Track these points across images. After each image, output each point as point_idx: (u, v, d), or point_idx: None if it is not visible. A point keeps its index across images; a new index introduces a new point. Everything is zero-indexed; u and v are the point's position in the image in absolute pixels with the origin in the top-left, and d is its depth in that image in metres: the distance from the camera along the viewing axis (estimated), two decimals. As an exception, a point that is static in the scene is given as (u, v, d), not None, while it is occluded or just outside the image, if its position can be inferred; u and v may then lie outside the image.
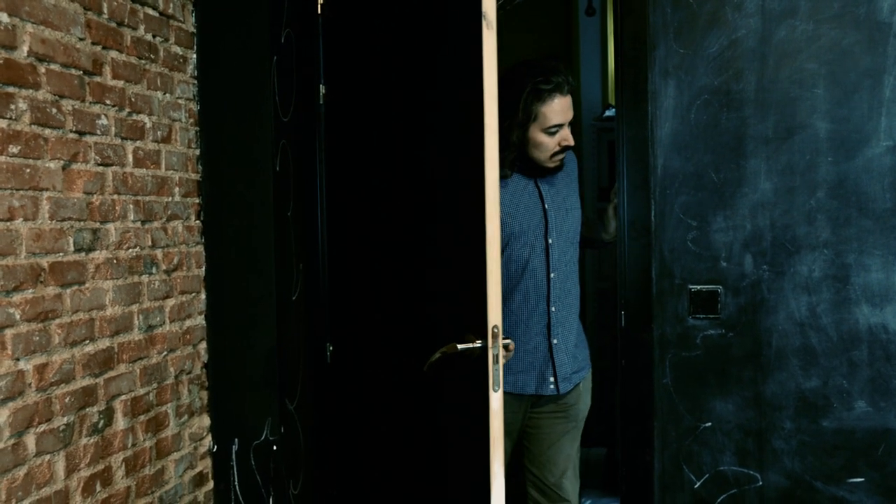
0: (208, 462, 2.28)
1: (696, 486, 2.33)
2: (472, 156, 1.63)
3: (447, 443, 2.10)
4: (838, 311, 2.25)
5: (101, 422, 1.84)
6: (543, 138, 2.22)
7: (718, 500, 2.32)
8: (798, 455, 2.28)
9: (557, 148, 2.24)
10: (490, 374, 1.43)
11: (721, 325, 2.31)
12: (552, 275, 2.30)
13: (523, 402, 2.35)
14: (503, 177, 2.21)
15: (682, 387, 2.33)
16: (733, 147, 2.28)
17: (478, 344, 1.44)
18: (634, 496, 2.44)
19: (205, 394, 2.27)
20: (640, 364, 2.38)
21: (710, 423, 2.32)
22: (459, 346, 1.53)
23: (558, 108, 2.21)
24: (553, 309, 2.30)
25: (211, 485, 2.29)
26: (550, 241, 2.30)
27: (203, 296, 2.27)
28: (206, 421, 2.27)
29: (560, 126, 2.22)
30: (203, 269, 2.27)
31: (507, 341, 1.78)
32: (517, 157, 2.27)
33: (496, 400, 1.44)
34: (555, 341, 2.32)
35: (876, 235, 2.23)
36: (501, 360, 1.43)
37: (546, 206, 2.31)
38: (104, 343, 1.86)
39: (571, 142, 2.26)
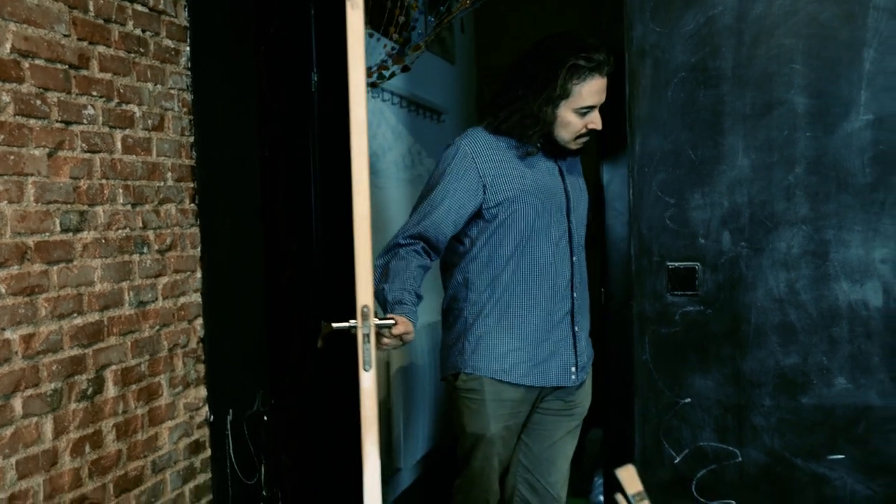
0: (206, 431, 2.43)
1: (676, 462, 2.36)
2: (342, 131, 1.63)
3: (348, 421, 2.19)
4: (817, 288, 2.24)
5: (91, 389, 2.00)
6: (573, 118, 2.09)
7: (698, 476, 2.34)
8: (777, 432, 2.28)
9: (584, 130, 2.12)
10: (360, 353, 1.50)
11: (700, 301, 2.32)
12: (574, 258, 2.22)
13: (533, 395, 2.19)
14: (529, 154, 2.12)
15: (662, 363, 2.36)
16: (711, 124, 2.29)
17: (351, 323, 1.51)
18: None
19: (201, 367, 2.41)
20: (620, 341, 2.41)
21: (689, 399, 2.34)
22: (334, 325, 1.61)
23: (594, 89, 2.09)
24: (575, 294, 2.20)
25: (208, 452, 2.43)
26: (572, 222, 2.21)
27: (199, 274, 2.41)
28: (202, 392, 2.42)
29: (592, 108, 2.11)
30: (199, 249, 2.40)
31: (388, 322, 1.73)
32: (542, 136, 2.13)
33: (367, 379, 1.50)
34: (577, 328, 2.20)
35: (856, 211, 2.21)
36: (373, 340, 1.48)
37: (567, 186, 2.21)
38: (93, 317, 2.01)
39: (599, 125, 2.13)
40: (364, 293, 1.47)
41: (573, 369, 2.20)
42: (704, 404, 2.33)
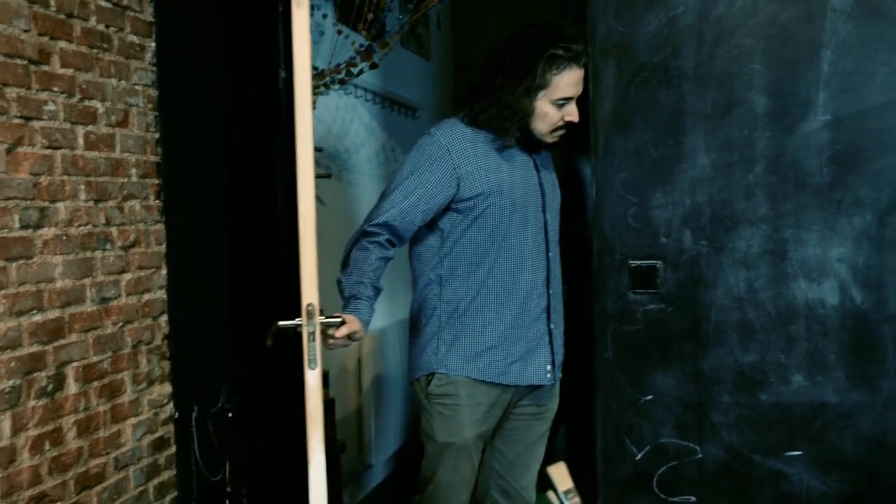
0: (171, 428, 2.43)
1: (637, 458, 2.38)
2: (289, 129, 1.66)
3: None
4: (776, 286, 2.27)
5: (51, 386, 2.00)
6: (550, 110, 2.07)
7: (659, 472, 2.37)
8: (736, 428, 2.31)
9: (561, 122, 2.10)
10: (305, 351, 1.51)
11: (661, 299, 2.34)
12: (550, 254, 2.19)
13: (507, 397, 2.16)
14: (506, 147, 2.08)
15: (624, 361, 2.38)
16: (672, 123, 2.31)
17: (296, 322, 1.53)
18: (580, 469, 2.50)
19: (166, 363, 2.41)
20: (583, 339, 2.43)
21: (651, 397, 2.37)
22: (280, 324, 1.62)
23: (572, 80, 2.07)
24: (551, 291, 2.20)
25: (173, 449, 2.44)
26: (547, 218, 2.19)
27: (164, 271, 2.41)
28: (167, 389, 2.42)
29: (569, 100, 2.08)
30: (164, 245, 2.40)
31: (335, 320, 1.74)
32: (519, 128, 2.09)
33: (312, 377, 1.52)
34: (552, 326, 2.19)
35: (813, 210, 2.24)
36: (318, 338, 1.50)
37: (542, 180, 2.20)
38: (54, 313, 2.01)
39: (576, 118, 2.11)
40: (309, 292, 1.49)
41: (549, 367, 2.18)
42: (665, 401, 2.36)
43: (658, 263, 2.34)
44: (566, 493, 1.34)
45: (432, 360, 2.10)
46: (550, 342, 2.19)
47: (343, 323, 1.84)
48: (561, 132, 2.14)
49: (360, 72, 2.79)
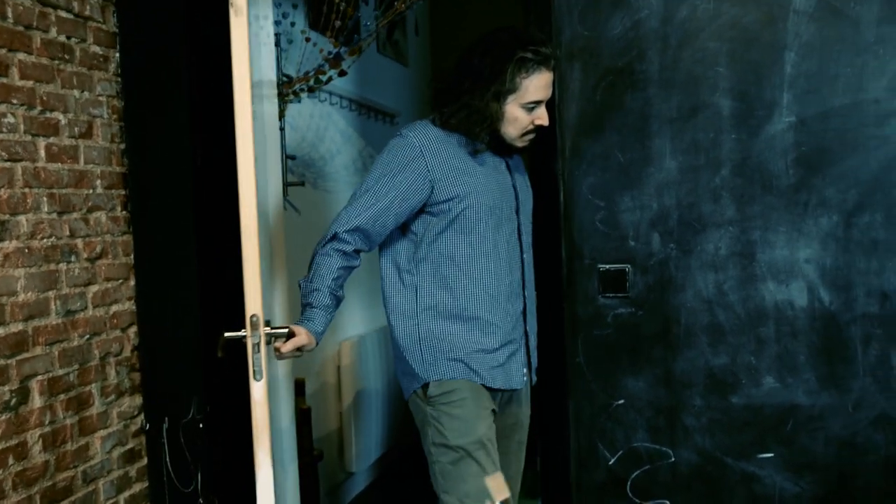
0: (142, 440, 2.42)
1: (610, 463, 2.38)
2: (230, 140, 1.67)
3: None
4: (745, 289, 2.27)
5: (14, 400, 1.98)
6: (519, 113, 2.03)
7: (632, 477, 2.36)
8: (708, 431, 2.31)
9: (531, 126, 2.07)
10: (250, 362, 1.51)
11: (631, 303, 2.34)
12: (524, 256, 2.17)
13: (495, 401, 2.09)
14: (478, 151, 2.06)
15: (595, 365, 2.37)
16: (639, 127, 2.31)
17: (241, 333, 1.52)
18: (553, 474, 2.49)
19: (136, 375, 2.40)
20: (554, 343, 2.42)
21: (623, 401, 2.36)
22: (226, 335, 1.62)
23: (541, 84, 2.03)
24: (526, 293, 2.20)
25: (144, 461, 2.42)
26: (521, 220, 2.17)
27: (132, 282, 2.40)
28: (137, 400, 2.41)
29: (538, 103, 2.05)
30: (131, 256, 2.39)
31: (280, 331, 1.72)
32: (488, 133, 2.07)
33: (258, 389, 1.51)
34: (528, 329, 2.17)
35: (780, 212, 2.24)
36: (263, 349, 1.49)
37: (515, 184, 2.17)
38: (16, 327, 2.00)
39: (546, 121, 2.08)
40: (253, 303, 1.48)
41: (525, 370, 2.16)
42: (637, 405, 2.35)
43: (627, 267, 2.34)
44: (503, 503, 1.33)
45: (420, 370, 2.03)
46: (527, 345, 2.17)
47: (292, 335, 1.82)
48: (531, 136, 2.12)
49: (329, 79, 2.78)
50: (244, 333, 1.50)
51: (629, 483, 2.36)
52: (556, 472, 2.47)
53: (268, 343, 1.75)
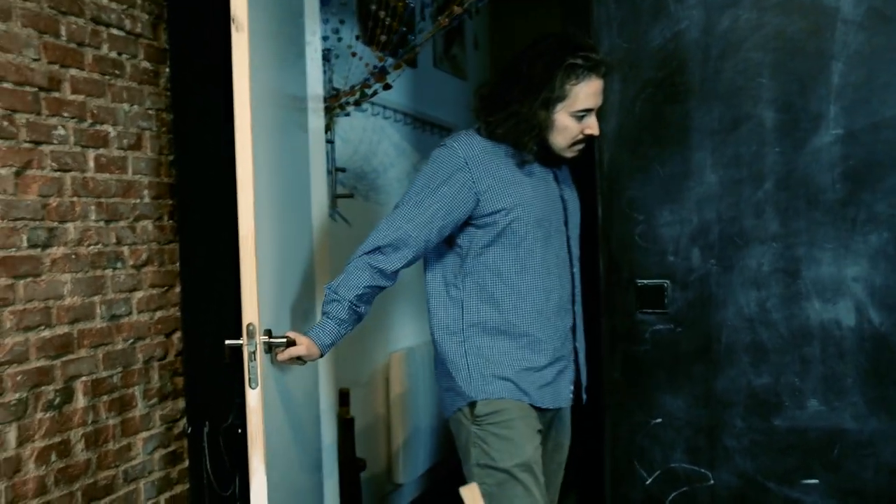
0: (184, 443, 2.48)
1: (647, 483, 2.32)
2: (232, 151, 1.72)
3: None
4: (788, 307, 2.18)
5: (58, 399, 2.07)
6: (569, 122, 1.95)
7: (669, 498, 2.30)
8: (749, 454, 2.23)
9: (581, 136, 1.98)
10: (246, 370, 1.52)
11: (669, 319, 2.29)
12: (574, 270, 2.09)
13: (541, 422, 2.00)
14: (526, 161, 1.97)
15: (633, 382, 2.33)
16: (679, 140, 2.26)
17: (239, 342, 1.54)
18: (589, 492, 2.45)
19: (179, 379, 2.47)
20: (591, 360, 2.38)
21: (660, 419, 2.31)
22: (227, 343, 1.65)
23: (591, 91, 1.95)
24: (576, 309, 2.10)
25: (186, 464, 2.49)
26: (570, 232, 2.09)
27: (178, 289, 2.47)
28: (180, 404, 2.48)
29: (589, 111, 1.96)
30: (177, 265, 2.47)
31: (280, 340, 1.72)
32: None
33: (254, 397, 1.53)
34: (577, 345, 2.09)
35: (826, 228, 2.15)
36: (259, 358, 1.50)
37: (563, 195, 2.09)
38: (62, 329, 2.08)
39: (596, 131, 1.99)
40: (250, 311, 1.50)
41: (572, 388, 2.06)
42: (676, 424, 2.29)
43: (666, 283, 2.28)
44: None
45: (467, 388, 1.95)
46: (576, 361, 2.08)
47: (293, 343, 1.83)
48: (580, 146, 2.02)
49: (375, 92, 2.82)
50: (239, 342, 1.53)
51: (666, 504, 2.30)
52: (592, 489, 2.42)
53: (268, 351, 1.78)
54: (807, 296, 2.17)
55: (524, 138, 1.94)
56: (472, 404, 1.94)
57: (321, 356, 1.91)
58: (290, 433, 2.10)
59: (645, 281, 2.30)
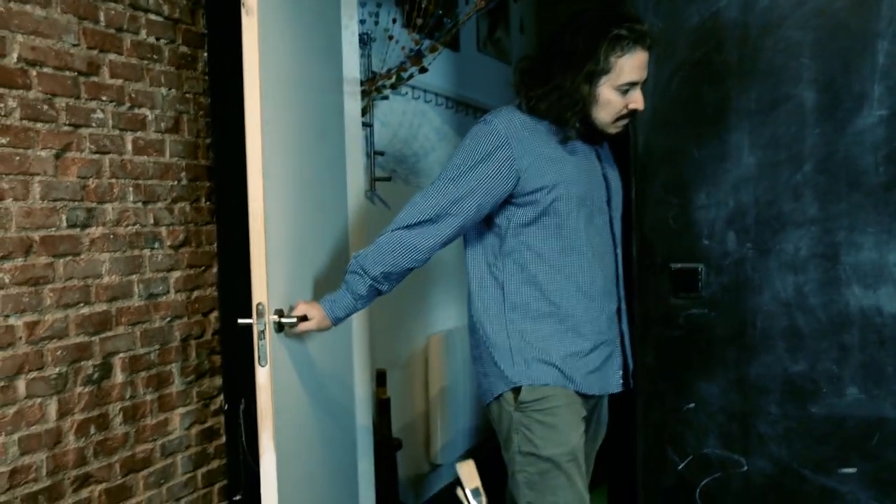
0: (221, 419, 2.54)
1: (679, 468, 2.29)
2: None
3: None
4: (827, 292, 2.13)
5: (97, 374, 2.13)
6: (613, 97, 1.87)
7: (702, 484, 2.27)
8: (785, 441, 2.18)
9: (625, 111, 1.90)
10: (255, 349, 1.54)
11: (703, 304, 2.25)
12: (617, 251, 2.02)
13: (587, 408, 1.96)
14: (568, 138, 1.90)
15: (666, 367, 2.29)
16: (715, 121, 2.21)
17: (249, 321, 1.56)
18: (620, 476, 2.43)
19: (216, 357, 2.53)
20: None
21: (693, 405, 2.27)
22: (239, 321, 1.66)
23: (637, 64, 1.87)
24: (621, 292, 2.04)
25: (223, 440, 2.55)
26: (613, 212, 2.03)
27: (215, 269, 2.52)
28: (217, 382, 2.53)
29: (633, 85, 1.88)
30: (214, 245, 2.52)
31: (291, 320, 1.73)
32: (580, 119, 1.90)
33: (262, 375, 1.54)
34: (623, 328, 2.03)
35: (868, 211, 2.08)
36: (269, 336, 1.51)
37: (606, 173, 2.03)
38: (101, 307, 2.15)
39: (641, 105, 1.91)
40: (259, 291, 1.52)
41: (621, 373, 2.00)
42: (709, 410, 2.26)
43: (700, 266, 2.24)
44: (473, 490, 1.31)
45: (511, 373, 1.89)
46: (622, 346, 2.02)
47: (305, 319, 1.85)
48: (624, 122, 1.94)
49: (411, 76, 2.82)
50: (249, 321, 1.56)
51: (698, 490, 2.27)
52: (625, 475, 2.40)
53: (280, 330, 1.80)
54: (846, 281, 2.11)
55: (567, 114, 1.87)
56: (516, 390, 1.88)
57: (334, 326, 1.92)
58: (314, 411, 2.13)
59: (679, 265, 2.26)
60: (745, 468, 2.22)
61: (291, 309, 1.89)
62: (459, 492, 1.32)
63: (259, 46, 1.54)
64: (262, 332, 1.59)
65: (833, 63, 2.10)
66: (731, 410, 2.23)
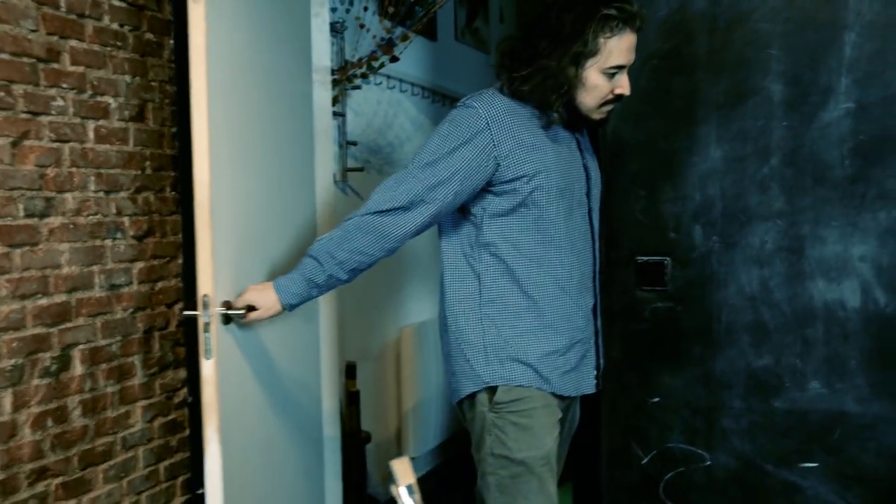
0: (185, 412, 2.51)
1: (643, 462, 2.29)
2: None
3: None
4: (792, 286, 2.12)
5: (55, 366, 2.10)
6: (599, 80, 1.79)
7: (666, 478, 2.27)
8: (748, 436, 2.18)
9: (611, 96, 1.83)
10: (200, 341, 1.52)
11: (669, 297, 2.24)
12: (596, 245, 1.96)
13: (562, 409, 1.89)
14: (552, 122, 1.82)
15: (631, 360, 2.29)
16: (684, 114, 2.20)
17: (194, 312, 1.54)
18: (584, 471, 2.42)
19: (181, 350, 2.50)
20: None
21: (658, 399, 2.27)
22: (184, 313, 1.64)
23: (625, 46, 1.79)
24: (598, 288, 1.97)
25: (187, 432, 2.52)
26: (592, 204, 1.95)
27: (180, 260, 2.49)
28: (181, 374, 2.50)
29: (621, 68, 1.81)
30: (179, 236, 2.49)
31: (238, 312, 1.70)
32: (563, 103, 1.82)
33: (207, 367, 1.52)
34: (599, 326, 1.96)
35: (833, 205, 2.08)
36: (214, 329, 1.50)
37: (586, 164, 1.94)
38: (60, 298, 2.11)
39: (627, 90, 1.83)
40: (204, 282, 1.50)
41: (595, 373, 1.93)
42: (673, 404, 2.26)
43: (666, 260, 2.24)
44: (408, 488, 1.30)
45: (484, 371, 1.81)
46: (597, 344, 1.95)
47: (253, 309, 1.81)
48: (609, 107, 1.86)
49: (382, 65, 2.79)
50: (194, 313, 1.54)
51: (662, 484, 2.27)
52: (587, 468, 2.40)
53: (228, 322, 1.78)
54: (811, 275, 2.11)
55: (552, 96, 1.78)
56: (491, 389, 1.82)
57: (288, 312, 1.86)
58: (273, 404, 2.11)
59: (645, 258, 2.26)
60: (709, 462, 2.23)
61: (249, 306, 1.87)
62: (394, 489, 1.31)
63: (207, 35, 1.52)
64: (206, 325, 1.57)
65: (801, 56, 2.09)
66: (696, 405, 2.23)
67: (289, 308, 1.84)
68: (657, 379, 2.26)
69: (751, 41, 2.13)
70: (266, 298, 1.83)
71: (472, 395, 1.84)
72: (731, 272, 2.17)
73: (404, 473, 1.32)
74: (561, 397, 1.85)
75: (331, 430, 2.66)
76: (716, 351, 2.20)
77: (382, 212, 1.77)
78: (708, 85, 2.17)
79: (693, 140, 2.19)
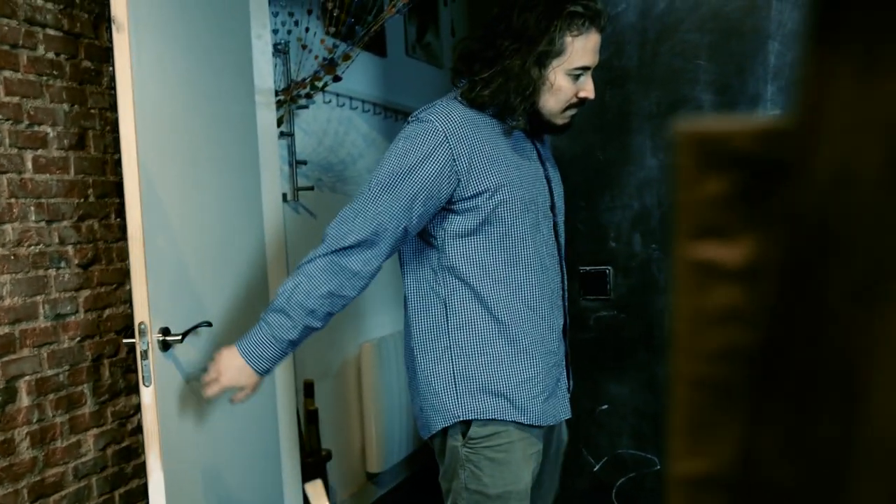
0: (139, 438, 2.50)
1: (595, 469, 2.32)
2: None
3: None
4: (730, 290, 2.17)
5: (0, 399, 2.09)
6: (563, 82, 1.68)
7: (617, 484, 2.30)
8: (694, 438, 2.22)
9: (575, 99, 1.72)
10: (139, 368, 1.53)
11: (612, 306, 2.28)
12: (562, 261, 1.85)
13: (542, 438, 1.81)
14: (513, 128, 1.71)
15: (579, 369, 2.31)
16: (618, 125, 2.25)
17: (132, 340, 1.56)
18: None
19: (133, 376, 2.49)
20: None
21: (606, 406, 2.30)
22: (124, 341, 1.66)
23: (591, 46, 1.69)
24: (566, 305, 1.87)
25: (142, 459, 2.51)
26: (557, 217, 1.84)
27: (128, 287, 2.49)
28: (135, 400, 2.50)
29: (586, 70, 1.71)
30: (126, 262, 2.48)
31: (175, 338, 1.67)
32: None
33: (147, 395, 1.54)
34: (567, 347, 1.87)
35: (766, 210, 2.13)
36: (152, 356, 1.51)
37: (548, 174, 1.83)
38: (3, 330, 2.10)
39: (592, 94, 1.73)
40: (140, 310, 1.51)
41: (568, 395, 1.85)
42: (622, 411, 2.29)
43: (608, 269, 2.27)
44: None
45: (455, 406, 1.71)
46: (567, 366, 1.87)
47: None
48: (573, 111, 1.75)
49: (325, 85, 2.81)
50: (133, 340, 1.55)
51: (614, 490, 2.30)
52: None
53: (166, 349, 1.79)
54: (748, 279, 2.15)
55: (515, 100, 1.67)
56: (465, 423, 1.71)
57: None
58: (223, 427, 2.11)
59: (588, 267, 2.29)
60: (658, 467, 2.26)
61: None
62: (308, 513, 1.33)
63: (132, 63, 1.52)
64: (144, 352, 1.58)
65: (728, 65, 2.14)
66: (643, 410, 2.27)
67: (265, 374, 1.72)
68: (605, 386, 2.29)
69: (679, 52, 2.18)
70: (245, 379, 1.68)
71: (444, 431, 1.75)
72: (671, 279, 2.21)
73: (317, 496, 1.33)
74: (539, 426, 1.76)
75: (288, 451, 2.66)
76: (660, 357, 2.23)
77: (344, 249, 1.65)
78: (640, 96, 2.22)
79: (628, 150, 2.23)
